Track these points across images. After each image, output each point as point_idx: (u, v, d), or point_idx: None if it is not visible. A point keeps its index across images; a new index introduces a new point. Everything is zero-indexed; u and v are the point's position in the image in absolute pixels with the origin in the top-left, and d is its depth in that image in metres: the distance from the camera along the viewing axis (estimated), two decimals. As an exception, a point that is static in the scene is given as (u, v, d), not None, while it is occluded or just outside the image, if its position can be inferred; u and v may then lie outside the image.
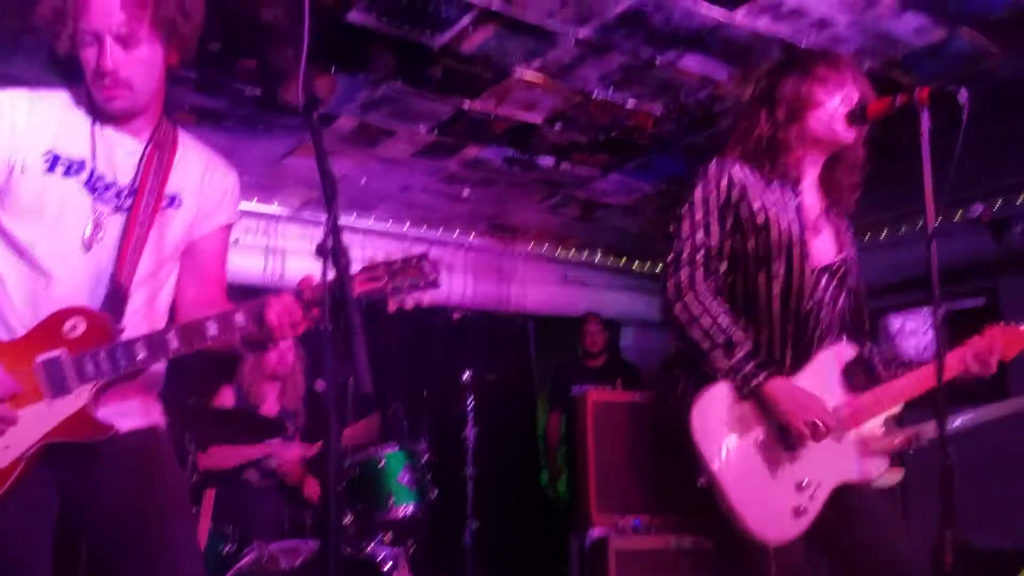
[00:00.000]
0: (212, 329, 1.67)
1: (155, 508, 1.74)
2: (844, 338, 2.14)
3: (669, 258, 2.07)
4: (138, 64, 1.72)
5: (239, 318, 1.67)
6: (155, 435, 1.85)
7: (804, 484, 1.95)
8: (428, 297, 1.70)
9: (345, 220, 5.27)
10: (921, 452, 3.11)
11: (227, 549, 3.40)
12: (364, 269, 1.72)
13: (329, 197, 1.33)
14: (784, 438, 1.96)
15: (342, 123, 4.20)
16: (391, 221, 5.54)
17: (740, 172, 2.08)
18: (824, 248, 2.14)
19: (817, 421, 1.92)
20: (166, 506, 1.77)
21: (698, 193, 2.07)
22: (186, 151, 1.88)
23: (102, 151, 1.75)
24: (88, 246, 1.72)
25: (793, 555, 1.90)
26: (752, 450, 1.95)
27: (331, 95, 3.89)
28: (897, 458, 3.15)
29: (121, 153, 1.78)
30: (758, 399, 1.95)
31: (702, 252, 2.04)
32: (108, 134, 1.77)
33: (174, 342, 1.66)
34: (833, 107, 2.08)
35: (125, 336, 1.70)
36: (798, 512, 1.93)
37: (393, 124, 4.24)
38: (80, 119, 1.76)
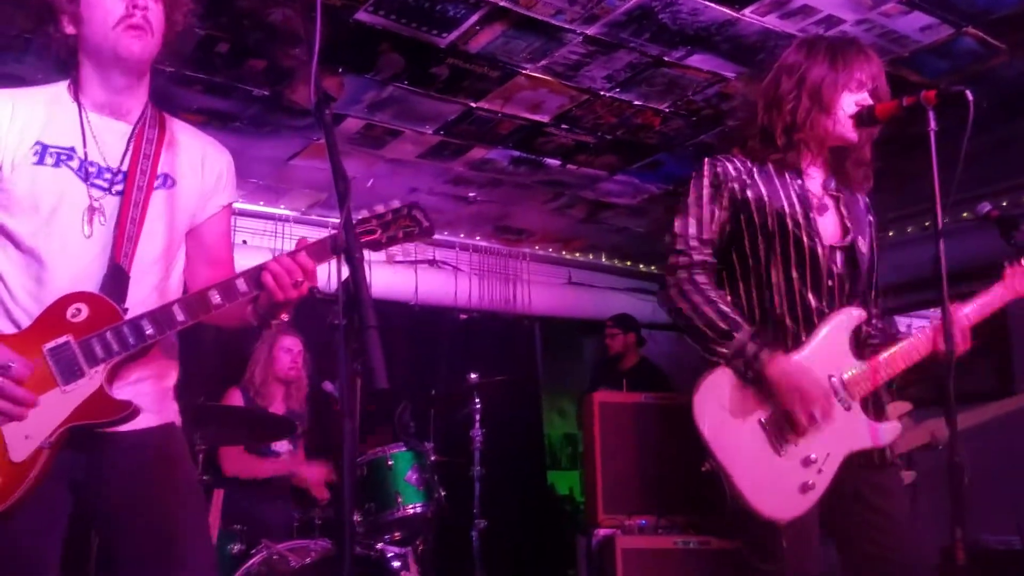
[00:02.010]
0: (215, 298, 1.69)
1: (168, 504, 1.75)
2: (854, 304, 2.13)
3: (669, 258, 2.11)
4: (157, 15, 1.76)
5: (240, 283, 1.70)
6: (171, 432, 1.85)
7: (811, 459, 1.95)
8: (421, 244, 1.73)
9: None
10: (931, 451, 3.11)
11: (236, 549, 3.41)
12: (359, 222, 1.76)
13: (342, 194, 1.33)
14: (788, 419, 1.96)
15: (349, 124, 4.21)
16: (397, 222, 5.53)
17: (731, 165, 2.12)
18: (832, 228, 2.13)
19: (816, 412, 1.92)
20: (179, 502, 1.77)
21: (691, 190, 2.14)
22: (176, 132, 1.90)
23: (91, 137, 1.76)
24: (88, 233, 1.72)
25: (805, 531, 1.91)
26: (756, 430, 1.96)
27: (338, 95, 3.90)
28: (907, 460, 3.15)
29: (110, 137, 1.79)
30: (761, 383, 1.96)
31: (697, 247, 2.08)
32: (96, 120, 1.79)
33: (180, 314, 1.68)
34: (847, 107, 2.09)
35: (130, 315, 1.70)
36: (805, 488, 1.93)
37: (399, 125, 4.24)
38: (67, 109, 1.78)
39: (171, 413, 1.88)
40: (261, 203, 5.26)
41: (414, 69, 3.67)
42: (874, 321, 2.18)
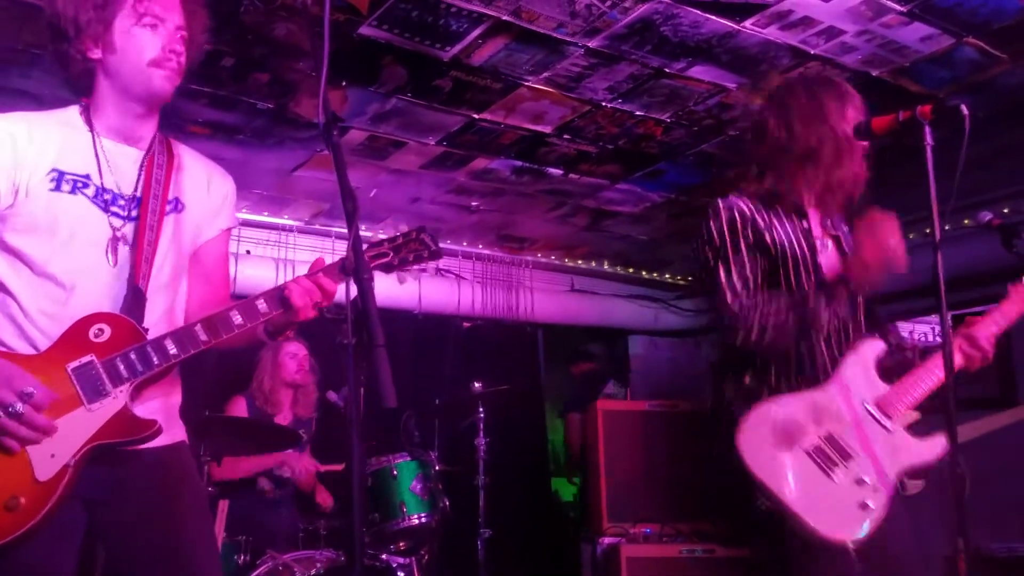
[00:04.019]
0: (237, 318, 1.74)
1: (180, 523, 1.78)
2: (872, 335, 2.19)
3: (716, 293, 2.12)
4: (184, 56, 1.82)
5: (261, 304, 1.75)
6: (182, 450, 1.89)
7: (864, 480, 1.98)
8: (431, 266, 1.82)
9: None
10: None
11: (241, 559, 3.42)
12: (370, 247, 1.85)
13: (350, 215, 1.35)
14: (832, 444, 1.99)
15: (353, 136, 4.23)
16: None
17: (744, 204, 2.18)
18: (831, 262, 2.20)
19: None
20: (191, 521, 1.80)
21: (712, 225, 2.17)
22: (184, 158, 1.95)
23: (105, 164, 1.79)
24: (113, 262, 1.76)
25: (874, 551, 1.92)
26: (804, 460, 1.98)
27: (342, 108, 3.93)
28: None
29: (123, 163, 1.83)
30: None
31: (736, 268, 2.11)
32: (109, 146, 1.82)
33: (202, 334, 1.72)
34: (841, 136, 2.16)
35: (151, 336, 1.74)
36: (864, 507, 1.95)
37: (403, 136, 4.27)
38: (81, 135, 1.80)
39: (180, 431, 1.91)
40: (265, 214, 5.29)
41: (417, 82, 3.70)
42: (892, 348, 2.22)
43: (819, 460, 1.98)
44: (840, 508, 1.94)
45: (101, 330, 1.69)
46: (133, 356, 1.69)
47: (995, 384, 5.29)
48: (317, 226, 5.49)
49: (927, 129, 1.94)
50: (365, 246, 1.79)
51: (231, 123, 4.04)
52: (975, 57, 3.54)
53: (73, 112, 1.84)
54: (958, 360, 2.14)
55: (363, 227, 6.27)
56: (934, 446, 2.09)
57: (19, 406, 1.58)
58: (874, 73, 3.64)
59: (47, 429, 1.61)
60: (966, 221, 4.52)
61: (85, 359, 1.67)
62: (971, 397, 4.94)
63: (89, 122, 1.81)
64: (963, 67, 3.62)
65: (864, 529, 1.93)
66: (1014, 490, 4.27)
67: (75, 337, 1.68)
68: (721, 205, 2.19)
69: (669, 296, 6.98)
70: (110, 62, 1.78)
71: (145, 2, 1.76)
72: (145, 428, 1.70)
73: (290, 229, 5.40)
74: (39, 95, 3.72)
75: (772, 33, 3.35)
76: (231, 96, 3.77)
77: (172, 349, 1.70)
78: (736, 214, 2.15)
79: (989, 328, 2.19)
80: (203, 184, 1.96)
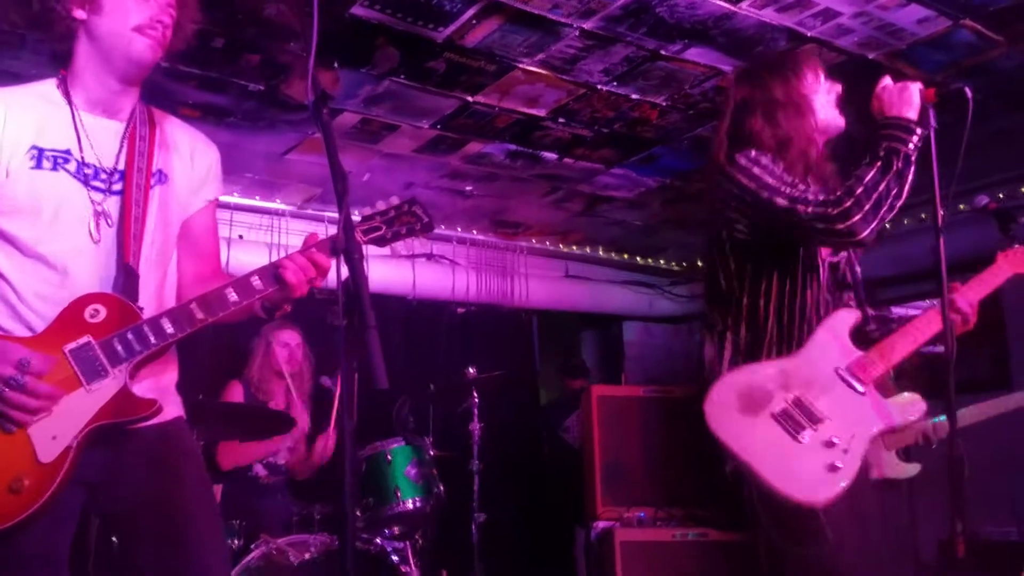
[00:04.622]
0: (232, 295, 1.73)
1: (179, 500, 1.77)
2: (848, 305, 2.18)
3: (798, 213, 2.00)
4: (171, 28, 1.80)
5: (256, 281, 1.74)
6: (181, 426, 1.88)
7: (833, 441, 1.95)
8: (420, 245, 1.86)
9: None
10: (931, 447, 3.12)
11: (235, 544, 3.41)
12: (363, 220, 1.84)
13: (340, 195, 1.32)
14: (799, 406, 1.97)
15: (345, 119, 4.20)
16: (394, 216, 5.53)
17: (767, 159, 2.10)
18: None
19: None
20: (190, 497, 1.79)
21: (754, 173, 2.07)
22: (167, 128, 1.91)
23: (85, 138, 1.76)
24: (97, 238, 1.74)
25: (842, 516, 1.91)
26: (770, 423, 1.96)
27: (334, 90, 3.89)
28: (906, 453, 3.16)
29: (104, 136, 1.79)
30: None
31: (809, 191, 2.02)
32: (89, 120, 1.79)
33: (199, 312, 1.70)
34: (823, 100, 2.15)
35: (145, 314, 1.73)
36: (832, 468, 1.92)
37: (396, 119, 4.23)
38: (60, 109, 1.77)
39: (178, 407, 1.89)
40: (257, 198, 5.25)
41: (410, 64, 3.66)
42: (870, 320, 2.21)
43: (785, 424, 1.96)
44: (808, 470, 1.92)
45: (96, 311, 1.67)
46: (130, 336, 1.67)
47: (989, 366, 5.31)
48: (310, 211, 5.46)
49: (931, 113, 1.93)
50: (358, 218, 1.77)
51: (221, 105, 3.99)
52: (972, 40, 3.52)
53: (50, 85, 1.80)
54: (936, 325, 2.10)
55: (355, 212, 6.28)
56: (908, 409, 2.06)
57: (21, 378, 1.57)
58: (870, 56, 3.62)
59: (52, 395, 1.60)
60: (962, 206, 4.52)
61: (82, 340, 1.65)
62: (965, 379, 4.96)
63: (67, 95, 1.78)
64: (960, 50, 3.60)
65: (834, 491, 1.91)
66: (1007, 474, 4.29)
67: (71, 318, 1.66)
68: (744, 157, 2.10)
69: (664, 282, 6.98)
70: (94, 24, 1.75)
71: None
72: (145, 407, 1.70)
73: (282, 214, 5.36)
74: (29, 77, 3.66)
75: (768, 15, 3.32)
76: (221, 78, 3.73)
77: (169, 328, 1.69)
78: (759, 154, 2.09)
79: (971, 294, 2.19)
80: (187, 154, 1.92)
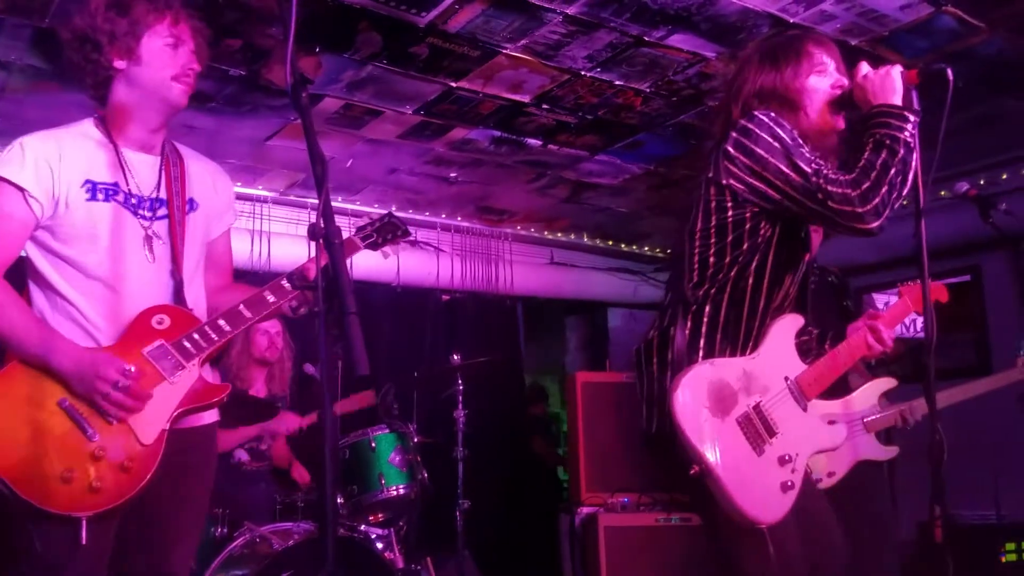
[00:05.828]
0: (270, 297, 2.04)
1: (198, 499, 2.10)
2: (792, 311, 2.11)
3: (819, 184, 1.87)
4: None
5: (286, 283, 2.04)
6: (212, 434, 2.14)
7: (786, 458, 1.92)
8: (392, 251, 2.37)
9: (331, 203, 5.28)
10: (908, 428, 3.16)
11: (219, 532, 3.41)
12: (358, 230, 2.30)
13: (320, 179, 1.31)
14: (760, 416, 1.93)
15: (328, 104, 4.16)
16: (378, 204, 5.51)
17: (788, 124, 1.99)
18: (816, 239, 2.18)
19: None
20: (197, 500, 2.09)
21: (778, 130, 1.93)
22: (191, 161, 2.17)
23: (129, 172, 2.02)
24: (151, 259, 2.00)
25: (787, 532, 1.88)
26: (735, 430, 1.90)
27: (316, 75, 3.86)
28: (886, 435, 3.20)
29: (144, 170, 2.05)
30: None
31: (821, 165, 1.91)
32: (130, 156, 2.04)
33: (246, 312, 2.01)
34: (818, 93, 2.02)
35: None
36: (785, 487, 1.90)
37: (379, 104, 4.21)
38: (104, 146, 2.01)
39: (215, 413, 2.14)
40: (239, 184, 5.19)
41: (393, 48, 3.63)
42: (808, 327, 2.16)
43: (748, 432, 1.90)
44: (764, 487, 1.88)
45: (162, 319, 1.95)
46: (196, 335, 1.95)
47: (972, 353, 5.36)
48: (292, 197, 5.42)
49: (914, 95, 1.91)
50: (351, 230, 2.12)
51: (202, 90, 3.95)
52: (954, 26, 3.53)
53: (88, 125, 2.04)
54: (863, 350, 2.15)
55: (339, 198, 6.20)
56: (835, 434, 2.10)
57: (124, 381, 1.82)
58: (853, 42, 3.62)
59: (147, 397, 1.88)
60: (943, 192, 4.56)
61: (156, 344, 1.93)
62: (948, 367, 5.02)
63: (108, 134, 2.02)
64: (942, 36, 3.61)
65: (783, 510, 1.88)
66: (985, 458, 4.34)
67: (140, 328, 1.94)
68: (765, 115, 1.95)
69: (648, 269, 6.99)
70: (134, 73, 2.00)
71: (174, 27, 2.02)
72: (220, 391, 1.99)
73: (265, 200, 5.33)
74: (6, 61, 3.62)
75: (752, 1, 3.31)
76: (202, 63, 3.68)
77: (226, 327, 1.98)
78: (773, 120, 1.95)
79: (891, 325, 2.20)
80: (210, 184, 2.20)
